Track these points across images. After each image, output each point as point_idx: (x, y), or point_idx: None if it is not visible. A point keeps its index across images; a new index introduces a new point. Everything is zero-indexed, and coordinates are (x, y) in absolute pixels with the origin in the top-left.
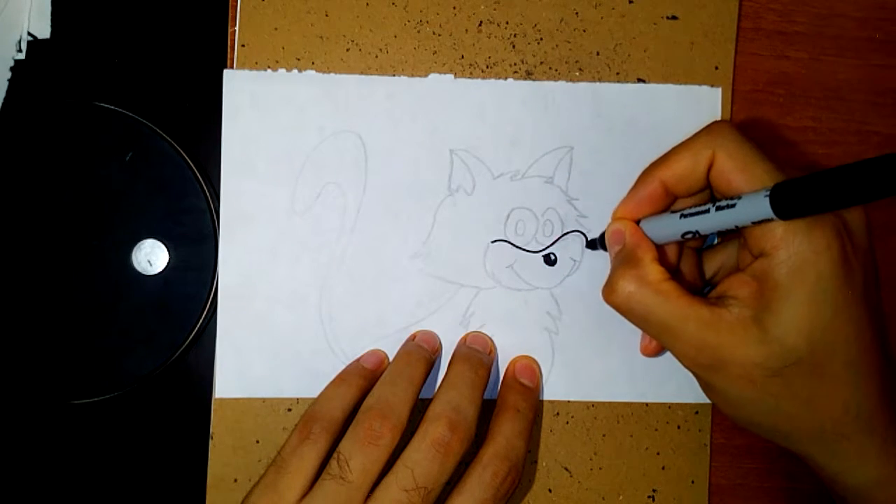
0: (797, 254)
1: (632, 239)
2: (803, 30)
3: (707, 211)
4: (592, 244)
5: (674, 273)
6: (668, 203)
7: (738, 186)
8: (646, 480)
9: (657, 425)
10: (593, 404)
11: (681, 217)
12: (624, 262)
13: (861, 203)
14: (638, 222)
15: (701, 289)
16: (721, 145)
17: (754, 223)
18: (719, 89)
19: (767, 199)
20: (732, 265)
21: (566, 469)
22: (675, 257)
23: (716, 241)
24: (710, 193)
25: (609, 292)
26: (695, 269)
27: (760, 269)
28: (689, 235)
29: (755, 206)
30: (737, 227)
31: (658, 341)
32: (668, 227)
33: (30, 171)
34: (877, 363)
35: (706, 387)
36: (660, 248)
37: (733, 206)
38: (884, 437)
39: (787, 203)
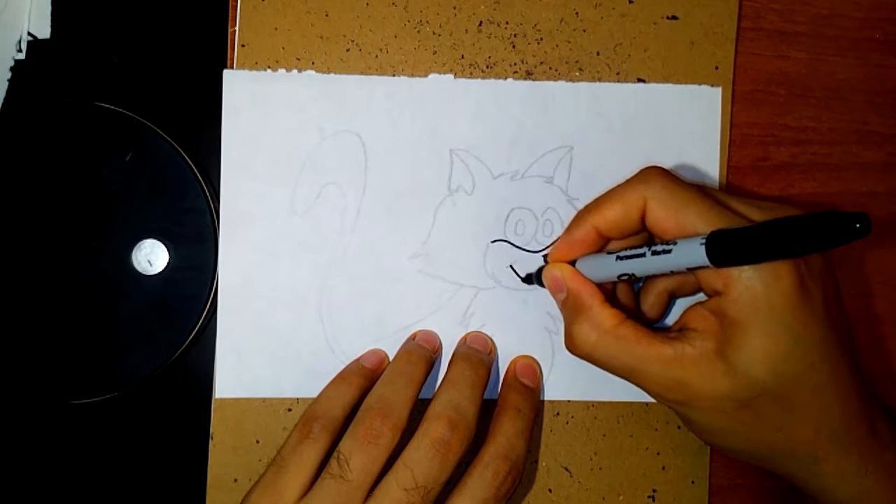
0: (748, 288)
1: (574, 286)
2: (803, 30)
3: (643, 255)
4: (528, 279)
5: (614, 302)
6: (603, 244)
7: (672, 233)
8: (646, 480)
9: (657, 425)
10: (593, 404)
11: (617, 259)
12: (574, 311)
13: (796, 256)
14: (574, 262)
15: (640, 316)
16: (652, 194)
17: (690, 269)
18: (719, 89)
19: (703, 247)
20: (671, 290)
21: (566, 469)
22: (611, 288)
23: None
24: (648, 234)
25: (570, 344)
26: (631, 297)
27: (716, 305)
28: (626, 277)
29: (691, 253)
30: (672, 272)
31: (628, 381)
32: (604, 269)
33: (30, 171)
34: (846, 381)
35: (682, 419)
36: (601, 286)
37: (669, 251)
38: (860, 452)
39: (722, 253)
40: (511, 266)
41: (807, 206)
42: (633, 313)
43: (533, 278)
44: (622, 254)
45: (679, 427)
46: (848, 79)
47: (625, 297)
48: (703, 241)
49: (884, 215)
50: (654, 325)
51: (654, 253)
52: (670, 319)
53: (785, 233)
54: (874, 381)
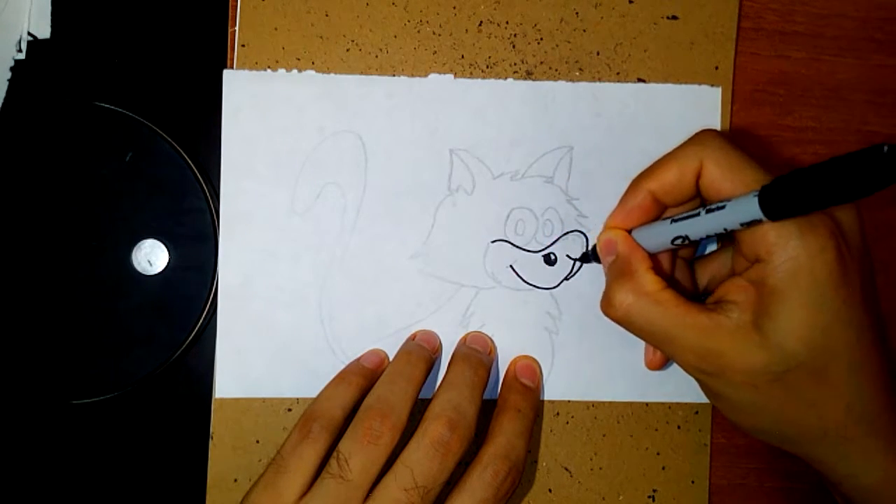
0: (792, 258)
1: (624, 249)
2: (803, 30)
3: (697, 214)
4: (585, 257)
5: (669, 282)
6: (659, 213)
7: (727, 194)
8: (646, 480)
9: (657, 425)
10: (593, 404)
11: (671, 222)
12: (619, 273)
13: (852, 199)
14: (629, 232)
15: (697, 298)
16: (708, 154)
17: (744, 225)
18: (719, 89)
19: (756, 199)
20: (725, 274)
21: (566, 469)
22: (668, 267)
23: (707, 251)
24: (702, 201)
25: (607, 305)
26: (689, 278)
27: (756, 274)
28: (680, 241)
29: (744, 208)
30: (726, 229)
31: (660, 350)
32: (659, 234)
33: (30, 171)
34: (878, 364)
35: (711, 394)
36: (654, 258)
37: (722, 207)
38: (888, 438)
39: (776, 203)
40: (511, 266)
41: None
42: (690, 293)
43: (590, 256)
44: (676, 217)
45: (679, 427)
46: (848, 79)
47: (682, 276)
48: (756, 194)
49: (884, 215)
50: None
51: (709, 211)
52: None
53: (834, 174)
54: None
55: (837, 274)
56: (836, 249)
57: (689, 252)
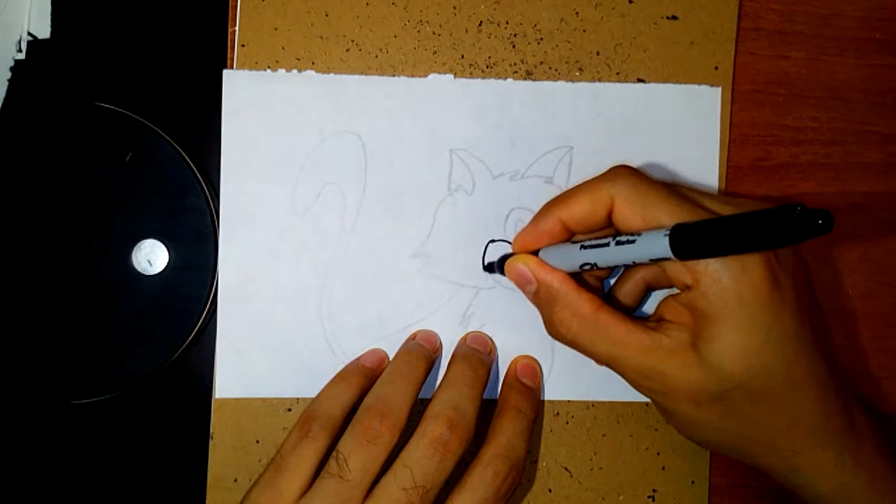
0: (716, 282)
1: (543, 276)
2: (803, 30)
3: (606, 245)
4: (490, 268)
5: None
6: (568, 237)
7: (638, 228)
8: (646, 480)
9: (657, 425)
10: (593, 404)
11: (581, 248)
12: (551, 300)
13: (764, 249)
14: (537, 252)
15: (628, 309)
16: (619, 192)
17: (653, 260)
18: (719, 89)
19: (666, 238)
20: (653, 280)
21: (566, 469)
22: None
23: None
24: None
25: (552, 332)
26: (598, 288)
27: (686, 299)
28: (588, 267)
29: (654, 244)
30: (635, 262)
31: (609, 367)
32: (568, 258)
33: (30, 171)
34: (822, 374)
35: (660, 409)
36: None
37: (633, 241)
38: (837, 448)
39: (685, 245)
40: None
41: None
42: (623, 305)
43: (494, 267)
44: (587, 243)
45: None
46: (848, 79)
47: (591, 287)
48: (667, 233)
49: (884, 215)
50: (631, 314)
51: (619, 243)
52: (648, 308)
53: (746, 226)
54: (874, 381)
55: (765, 291)
56: (762, 266)
57: (600, 273)
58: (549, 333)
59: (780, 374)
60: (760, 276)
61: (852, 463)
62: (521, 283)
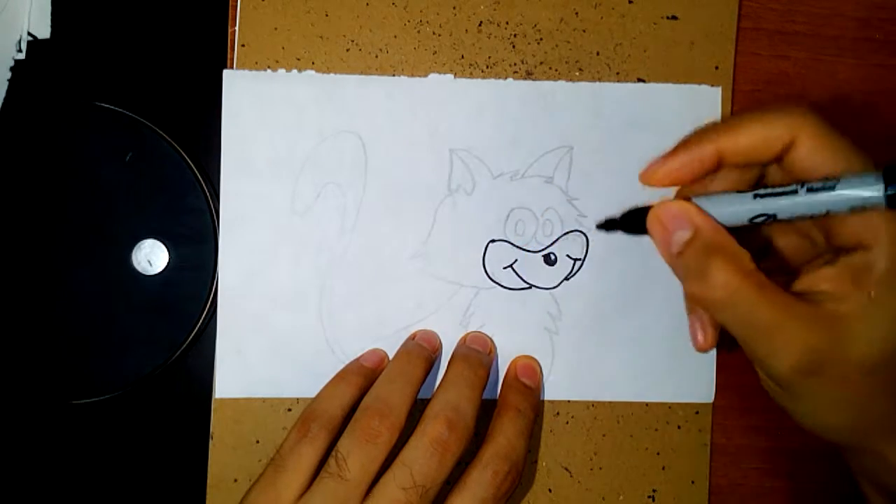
0: None
1: (706, 223)
2: (803, 30)
3: (794, 192)
4: (609, 224)
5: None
6: (709, 174)
7: (824, 173)
8: (646, 480)
9: (657, 425)
10: (593, 404)
11: (754, 197)
12: (709, 253)
13: None
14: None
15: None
16: (805, 128)
17: (854, 209)
18: (719, 89)
19: (880, 181)
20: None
21: (566, 469)
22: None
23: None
24: (761, 173)
25: (705, 287)
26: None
27: (859, 262)
28: (762, 219)
29: (861, 190)
30: (829, 211)
31: (747, 342)
32: (735, 209)
33: (30, 171)
34: None
35: (793, 395)
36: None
37: (831, 187)
38: None
39: None
40: (511, 266)
41: None
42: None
43: (617, 222)
44: (762, 192)
45: (679, 427)
46: (848, 79)
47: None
48: (880, 175)
49: None
50: None
51: (811, 190)
52: None
53: None
54: None
55: None
56: None
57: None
58: (694, 292)
59: None
60: None
61: None
62: (674, 226)
